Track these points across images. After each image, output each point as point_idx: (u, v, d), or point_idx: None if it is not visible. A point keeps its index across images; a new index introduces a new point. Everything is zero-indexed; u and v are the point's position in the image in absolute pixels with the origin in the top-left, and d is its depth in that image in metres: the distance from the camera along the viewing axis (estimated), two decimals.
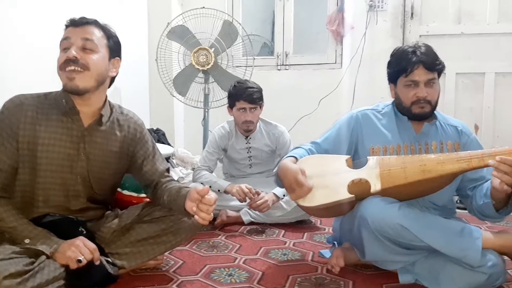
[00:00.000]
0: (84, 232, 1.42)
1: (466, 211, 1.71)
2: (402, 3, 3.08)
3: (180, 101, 3.00)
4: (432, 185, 1.48)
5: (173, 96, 2.94)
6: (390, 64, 1.67)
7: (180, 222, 1.52)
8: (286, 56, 3.32)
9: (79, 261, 1.29)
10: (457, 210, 1.77)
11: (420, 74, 1.55)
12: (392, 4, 3.09)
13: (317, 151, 1.70)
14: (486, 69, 3.05)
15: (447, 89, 3.09)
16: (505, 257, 1.50)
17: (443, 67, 1.58)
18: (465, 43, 3.05)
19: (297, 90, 3.25)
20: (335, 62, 3.24)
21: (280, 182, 1.65)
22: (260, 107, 2.33)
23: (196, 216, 1.35)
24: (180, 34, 2.78)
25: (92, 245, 1.35)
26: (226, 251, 1.87)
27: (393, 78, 1.65)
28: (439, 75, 1.59)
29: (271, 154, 2.41)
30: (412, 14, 3.07)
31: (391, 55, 1.66)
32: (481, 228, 1.49)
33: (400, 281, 1.52)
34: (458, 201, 2.22)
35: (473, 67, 3.06)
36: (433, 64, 1.55)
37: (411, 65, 1.55)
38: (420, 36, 3.08)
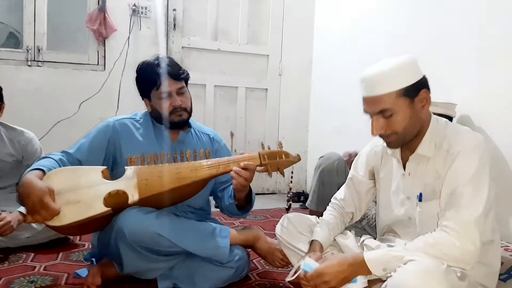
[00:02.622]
0: None
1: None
2: (165, 13, 3.17)
3: None
4: (188, 191, 1.56)
5: None
6: (139, 81, 1.68)
7: None
8: (39, 51, 2.90)
9: None
10: (217, 210, 1.92)
11: (170, 85, 1.62)
12: (156, 12, 3.13)
13: (68, 162, 1.54)
14: (238, 83, 3.47)
15: (207, 99, 3.36)
16: (249, 250, 1.72)
17: (188, 75, 1.69)
18: (221, 59, 3.39)
19: (53, 91, 2.89)
20: (98, 64, 3.04)
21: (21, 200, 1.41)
22: None
23: None
24: None
25: None
26: None
27: (145, 93, 1.67)
28: (186, 84, 1.69)
29: (15, 166, 2.04)
30: (174, 25, 3.19)
31: (137, 71, 1.68)
32: (234, 224, 1.67)
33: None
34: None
35: (228, 81, 3.43)
36: (178, 73, 1.64)
37: (159, 77, 1.60)
38: (182, 47, 3.24)
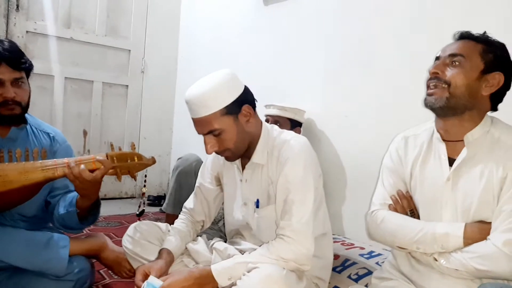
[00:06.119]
0: None
1: None
2: None
3: None
4: (17, 196, 1.33)
5: None
6: None
7: None
8: None
9: None
10: None
11: (4, 73, 1.36)
12: None
13: None
14: (94, 77, 3.18)
15: (55, 93, 2.99)
16: (95, 260, 1.57)
17: (31, 66, 1.46)
18: (74, 49, 3.06)
19: None
20: None
21: None
22: None
23: None
24: None
25: None
26: None
27: None
28: (27, 75, 1.46)
29: None
30: (18, 6, 2.76)
31: None
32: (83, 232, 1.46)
33: None
34: None
35: (82, 74, 3.12)
36: (19, 62, 1.40)
37: None
38: (27, 31, 2.82)
